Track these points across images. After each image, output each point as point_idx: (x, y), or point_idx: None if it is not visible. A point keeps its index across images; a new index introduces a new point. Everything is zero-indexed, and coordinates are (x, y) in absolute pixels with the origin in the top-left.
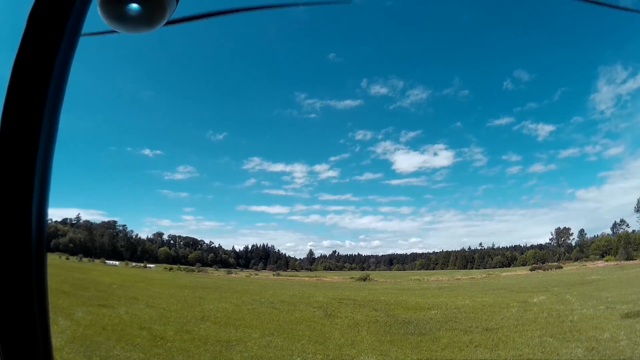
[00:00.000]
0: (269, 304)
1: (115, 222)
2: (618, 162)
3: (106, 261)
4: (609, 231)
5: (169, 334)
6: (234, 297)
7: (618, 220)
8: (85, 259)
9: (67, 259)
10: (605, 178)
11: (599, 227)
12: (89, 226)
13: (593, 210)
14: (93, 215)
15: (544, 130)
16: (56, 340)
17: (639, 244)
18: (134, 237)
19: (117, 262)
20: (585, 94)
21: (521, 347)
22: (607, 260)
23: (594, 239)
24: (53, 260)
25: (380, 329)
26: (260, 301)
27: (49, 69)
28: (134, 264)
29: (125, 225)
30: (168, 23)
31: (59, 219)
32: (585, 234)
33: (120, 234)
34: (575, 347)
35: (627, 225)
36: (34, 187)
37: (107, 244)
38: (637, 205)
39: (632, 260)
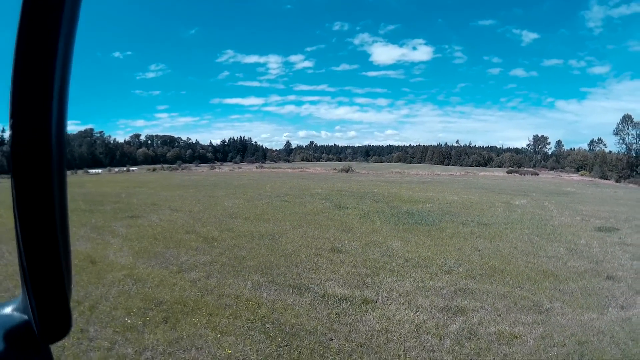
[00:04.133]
0: (277, 197)
1: (92, 129)
2: (602, 81)
3: (89, 170)
4: (585, 147)
5: (215, 234)
6: (238, 192)
7: (596, 138)
8: (68, 172)
9: None
10: (587, 94)
11: (576, 140)
12: (66, 138)
13: (572, 123)
14: (68, 126)
15: (528, 37)
16: (125, 259)
17: (614, 165)
18: (111, 142)
19: (99, 170)
20: (575, 8)
21: (514, 241)
22: (582, 175)
23: (571, 151)
24: None
25: (389, 219)
26: (267, 195)
27: None
28: (116, 169)
29: (102, 131)
30: None
31: None
32: (563, 145)
33: (98, 141)
34: (558, 247)
35: (605, 144)
36: (53, 99)
37: (86, 153)
38: (616, 128)
39: (606, 179)
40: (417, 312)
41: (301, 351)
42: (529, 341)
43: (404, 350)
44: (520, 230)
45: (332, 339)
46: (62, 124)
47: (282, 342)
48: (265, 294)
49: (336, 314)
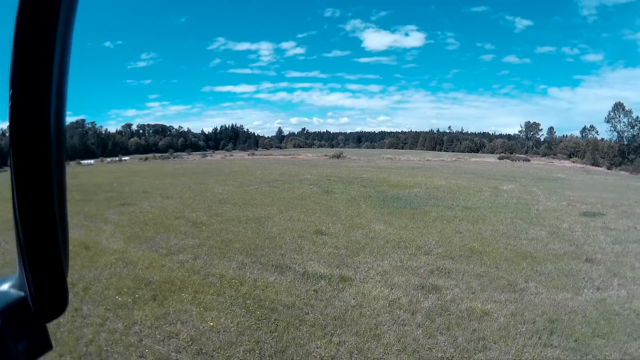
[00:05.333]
0: (267, 184)
1: (83, 120)
2: (595, 69)
3: (81, 161)
4: (578, 134)
5: (204, 219)
6: (229, 179)
7: (588, 126)
8: None
9: None
10: (580, 81)
11: (568, 127)
12: (65, 130)
13: (565, 110)
14: None
15: (522, 23)
16: (117, 244)
17: (606, 152)
18: (103, 132)
19: (92, 161)
20: None
21: (496, 224)
22: (574, 162)
23: (563, 138)
24: None
25: (375, 203)
26: (257, 181)
27: None
28: (108, 159)
29: (93, 121)
30: None
31: None
32: (555, 132)
33: (90, 132)
34: (540, 230)
35: (597, 132)
36: (51, 90)
37: (78, 144)
38: (607, 116)
39: (597, 166)
40: (392, 289)
41: (278, 324)
42: (499, 318)
43: (375, 324)
44: (504, 214)
45: (308, 313)
46: (60, 116)
47: (261, 316)
48: (248, 273)
49: (314, 290)
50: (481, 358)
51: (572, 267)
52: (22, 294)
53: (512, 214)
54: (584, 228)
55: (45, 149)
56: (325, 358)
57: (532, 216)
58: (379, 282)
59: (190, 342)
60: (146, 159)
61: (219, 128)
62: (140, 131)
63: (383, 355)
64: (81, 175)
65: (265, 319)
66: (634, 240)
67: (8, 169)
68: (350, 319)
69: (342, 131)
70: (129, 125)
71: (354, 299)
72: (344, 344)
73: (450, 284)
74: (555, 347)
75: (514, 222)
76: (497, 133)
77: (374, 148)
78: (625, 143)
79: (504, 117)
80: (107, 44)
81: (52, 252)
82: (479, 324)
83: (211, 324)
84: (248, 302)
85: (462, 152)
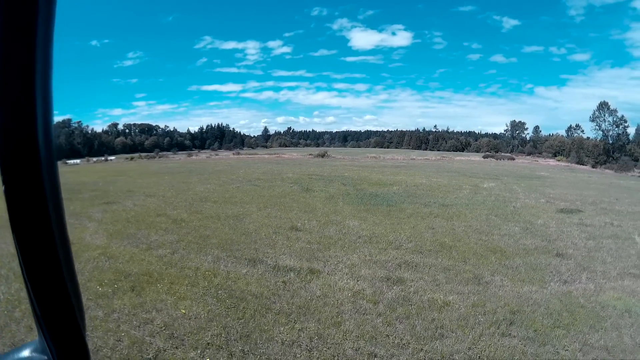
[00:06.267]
0: (248, 182)
1: (69, 120)
2: (583, 68)
3: (67, 161)
4: (563, 133)
5: (184, 216)
6: (212, 178)
7: (574, 125)
8: None
9: None
10: (567, 80)
11: (554, 126)
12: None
13: (551, 110)
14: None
15: (509, 23)
16: (100, 241)
17: (591, 151)
18: (89, 132)
19: (78, 160)
20: None
21: (471, 221)
22: (558, 160)
23: (548, 137)
24: None
25: (353, 201)
26: (239, 180)
27: None
28: (94, 159)
29: (80, 121)
30: None
31: None
32: (540, 131)
33: (76, 131)
34: (513, 226)
35: (582, 130)
36: (36, 91)
37: (64, 144)
38: (592, 115)
39: (582, 165)
40: (358, 281)
41: (246, 312)
42: (460, 308)
43: (337, 313)
44: (479, 211)
45: (274, 302)
46: (48, 120)
47: (231, 305)
48: (222, 266)
49: (283, 282)
50: (437, 345)
51: (541, 261)
52: (45, 357)
53: (488, 210)
54: (559, 224)
55: (36, 159)
56: (286, 342)
57: (508, 213)
58: (346, 274)
59: (164, 328)
60: (132, 158)
61: (205, 127)
62: (127, 130)
63: (342, 341)
64: (67, 174)
65: (234, 307)
66: (609, 236)
67: None
68: (314, 307)
69: (328, 130)
70: (115, 125)
71: (320, 289)
72: (306, 330)
73: (416, 276)
74: (514, 336)
75: (488, 218)
76: (483, 132)
77: (359, 147)
78: (610, 142)
79: (490, 116)
80: (94, 42)
81: (67, 313)
82: (439, 314)
83: (183, 311)
84: (219, 292)
85: (448, 151)
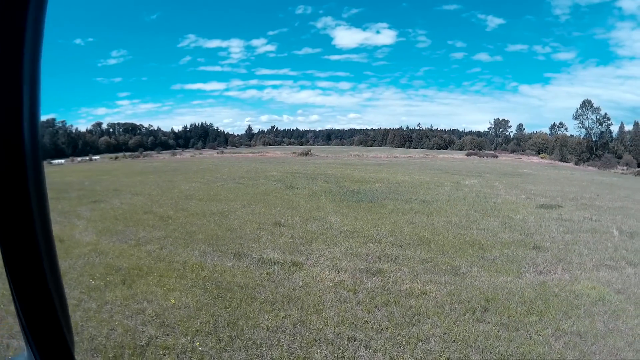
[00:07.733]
0: (232, 180)
1: (53, 119)
2: (566, 67)
3: (52, 161)
4: (547, 130)
5: (170, 214)
6: (196, 176)
7: (558, 123)
8: None
9: None
10: (551, 79)
11: (538, 124)
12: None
13: (535, 107)
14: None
15: (494, 22)
16: (90, 237)
17: (574, 148)
18: (73, 131)
19: (62, 160)
20: None
21: (451, 216)
22: (542, 158)
23: (532, 134)
24: None
25: (335, 197)
26: (223, 178)
27: None
28: (79, 159)
29: (64, 120)
30: None
31: None
32: (524, 129)
33: (60, 131)
34: (492, 221)
35: (566, 128)
36: (23, 91)
37: (48, 143)
38: (575, 112)
39: (566, 162)
40: (339, 272)
41: (232, 301)
42: (436, 297)
43: (319, 301)
44: (460, 207)
45: (259, 292)
46: (35, 121)
47: (217, 295)
48: (209, 260)
49: (267, 273)
50: (414, 330)
51: (518, 253)
52: None
53: (469, 206)
54: (538, 219)
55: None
56: (271, 328)
57: (487, 208)
58: (328, 266)
59: (155, 317)
60: (116, 158)
61: (188, 126)
62: (111, 130)
63: (323, 327)
64: (52, 174)
65: (221, 297)
66: (587, 230)
67: None
68: (297, 297)
69: (312, 129)
70: (99, 124)
71: (302, 280)
72: (289, 317)
73: (395, 268)
74: (488, 322)
75: (468, 214)
76: (466, 130)
77: (343, 145)
78: (593, 139)
79: (474, 114)
80: (78, 41)
81: (53, 326)
82: (416, 302)
83: (173, 301)
84: (207, 284)
85: (431, 149)
